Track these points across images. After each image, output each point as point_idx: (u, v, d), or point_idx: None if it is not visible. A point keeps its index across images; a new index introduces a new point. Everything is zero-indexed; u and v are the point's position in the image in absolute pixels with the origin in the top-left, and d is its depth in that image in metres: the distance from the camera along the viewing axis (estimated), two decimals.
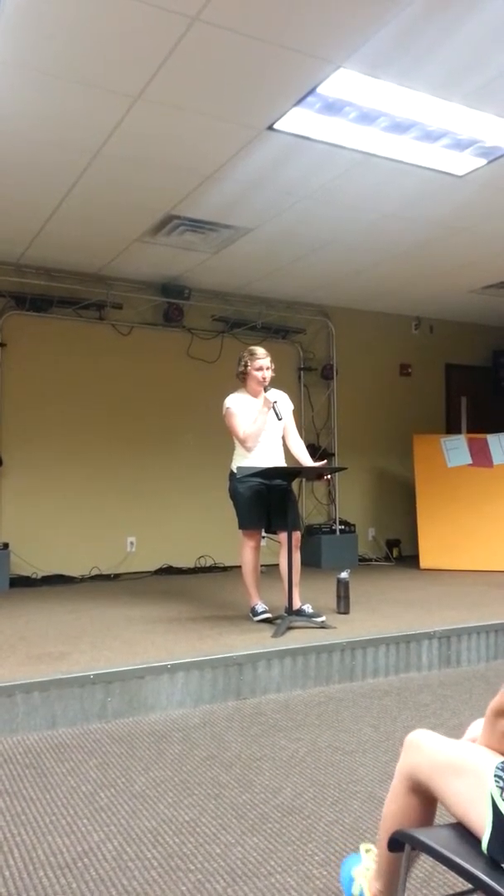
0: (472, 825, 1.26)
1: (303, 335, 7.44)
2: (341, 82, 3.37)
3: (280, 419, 4.28)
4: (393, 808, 1.47)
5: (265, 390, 4.30)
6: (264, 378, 4.32)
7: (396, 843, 1.32)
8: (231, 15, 2.90)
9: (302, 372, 7.42)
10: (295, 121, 3.72)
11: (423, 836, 1.28)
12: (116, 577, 6.36)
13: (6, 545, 5.86)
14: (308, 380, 7.44)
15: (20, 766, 2.69)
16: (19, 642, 3.82)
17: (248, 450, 4.32)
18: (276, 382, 4.49)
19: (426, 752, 1.42)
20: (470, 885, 1.21)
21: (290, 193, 4.65)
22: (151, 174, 4.35)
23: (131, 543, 6.57)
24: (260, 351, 4.39)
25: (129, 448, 6.58)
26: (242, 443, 4.32)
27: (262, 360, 4.33)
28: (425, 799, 1.41)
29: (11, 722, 3.01)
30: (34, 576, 6.04)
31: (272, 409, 4.24)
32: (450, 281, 6.66)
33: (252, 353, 4.37)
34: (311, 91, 3.44)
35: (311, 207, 4.87)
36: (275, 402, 4.25)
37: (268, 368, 4.34)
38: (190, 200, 4.73)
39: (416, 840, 1.28)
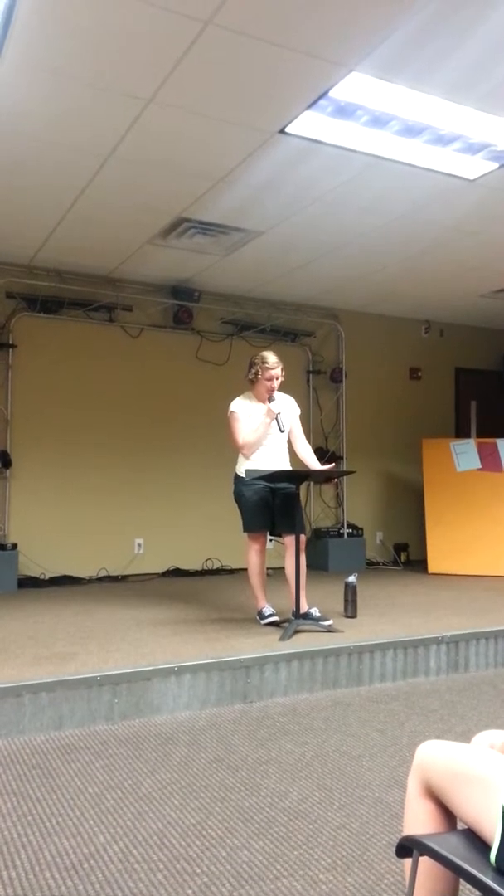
0: (483, 834, 1.25)
1: (312, 338, 7.43)
2: (353, 86, 3.37)
3: (282, 431, 4.27)
4: (409, 817, 1.46)
5: (269, 400, 4.28)
6: (273, 388, 4.30)
7: (404, 849, 1.31)
8: (244, 19, 2.91)
9: (311, 375, 7.41)
10: (307, 124, 3.72)
11: (431, 841, 1.27)
12: (124, 578, 6.37)
13: (15, 545, 5.88)
14: (317, 383, 7.44)
15: (27, 767, 2.70)
16: (27, 642, 3.83)
17: (246, 456, 4.33)
18: (284, 385, 4.48)
19: (439, 759, 1.41)
20: (479, 893, 1.20)
21: (300, 197, 4.65)
22: (163, 177, 4.36)
23: (139, 545, 6.57)
24: (271, 360, 4.32)
25: (137, 450, 6.59)
26: (240, 449, 4.33)
27: (273, 371, 4.30)
28: (441, 804, 1.40)
29: (19, 722, 3.02)
30: (42, 576, 6.05)
31: (275, 421, 4.23)
32: (460, 285, 6.65)
33: (264, 361, 4.31)
34: (324, 94, 3.44)
35: (321, 211, 4.87)
36: (278, 413, 4.23)
37: (278, 378, 4.32)
38: (201, 203, 4.74)
39: (424, 846, 1.27)
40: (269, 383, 4.30)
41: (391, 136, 3.83)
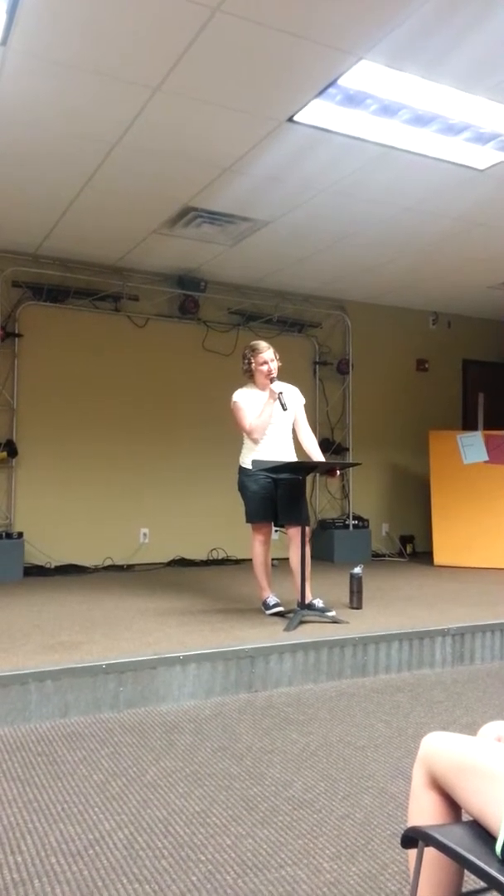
0: (489, 825, 1.25)
1: (319, 329, 7.41)
2: (363, 74, 3.34)
3: (285, 409, 4.24)
4: (414, 808, 1.46)
5: (272, 382, 4.27)
6: (270, 371, 4.29)
7: (410, 839, 1.32)
8: (252, 6, 2.88)
9: (317, 366, 7.39)
10: (315, 113, 3.69)
11: (437, 832, 1.27)
12: (129, 567, 6.39)
13: (21, 534, 5.90)
14: (323, 374, 7.42)
15: (33, 754, 2.71)
16: (33, 631, 3.85)
17: (255, 441, 4.31)
18: (291, 376, 4.47)
19: (445, 750, 1.41)
20: (483, 884, 1.20)
21: (308, 186, 4.62)
22: (170, 166, 4.34)
23: (144, 535, 6.59)
24: (262, 345, 4.34)
25: (143, 439, 6.59)
26: (248, 434, 4.31)
27: (264, 354, 4.29)
28: (446, 796, 1.40)
29: (24, 710, 3.04)
30: (48, 565, 6.08)
31: (278, 400, 4.22)
32: (468, 276, 6.61)
33: (254, 349, 4.33)
34: (333, 83, 3.42)
35: (329, 200, 4.84)
36: (280, 392, 4.22)
37: (272, 360, 4.31)
38: (208, 192, 4.72)
39: (430, 837, 1.27)
40: (263, 368, 4.28)
41: (401, 125, 3.80)
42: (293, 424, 4.44)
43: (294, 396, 4.45)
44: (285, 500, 4.30)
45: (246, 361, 4.37)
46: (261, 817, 2.23)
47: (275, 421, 4.30)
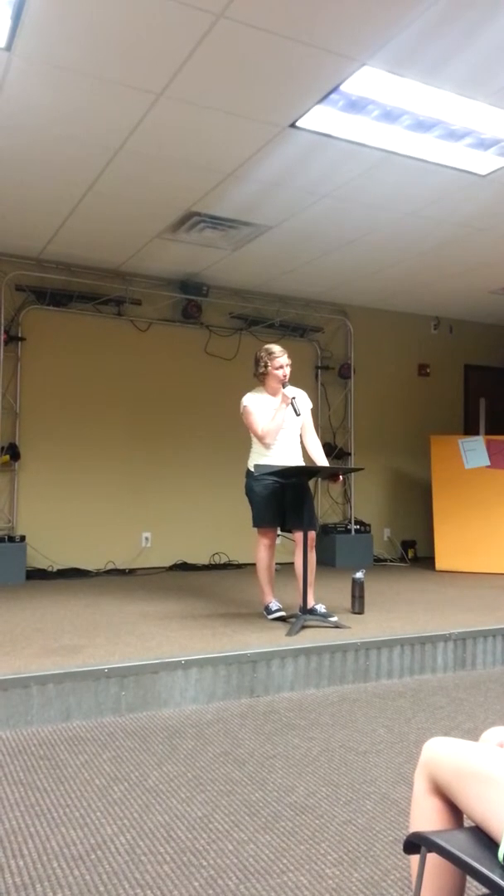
0: (491, 831, 1.25)
1: (321, 334, 7.42)
2: (365, 80, 3.35)
3: (298, 415, 4.26)
4: (416, 814, 1.46)
5: (283, 386, 4.29)
6: (285, 376, 4.31)
7: (412, 845, 1.31)
8: (256, 12, 2.89)
9: (319, 371, 7.40)
10: (317, 118, 3.70)
11: (439, 838, 1.27)
12: (131, 571, 6.39)
13: (23, 538, 5.90)
14: (325, 378, 7.42)
15: (34, 758, 2.71)
16: (35, 634, 3.85)
17: (267, 446, 4.31)
18: (292, 380, 4.47)
19: (447, 756, 1.40)
20: (486, 890, 1.20)
21: (311, 192, 4.63)
22: (172, 171, 4.36)
23: (146, 539, 6.59)
24: (277, 349, 4.36)
25: (145, 443, 6.60)
26: (261, 439, 4.30)
27: (281, 359, 4.31)
28: (448, 801, 1.40)
29: (27, 713, 3.04)
30: (50, 569, 6.08)
31: (291, 405, 4.23)
32: (470, 281, 6.62)
33: (271, 353, 4.34)
34: (335, 89, 3.43)
35: (331, 206, 4.85)
36: (293, 397, 4.24)
37: (288, 366, 4.33)
38: (211, 198, 4.73)
39: (432, 842, 1.27)
40: (279, 372, 4.30)
41: (402, 130, 3.81)
42: (300, 428, 4.44)
43: (303, 401, 4.46)
44: (294, 505, 4.30)
45: (262, 364, 4.36)
46: (263, 823, 2.23)
47: (285, 426, 4.30)
